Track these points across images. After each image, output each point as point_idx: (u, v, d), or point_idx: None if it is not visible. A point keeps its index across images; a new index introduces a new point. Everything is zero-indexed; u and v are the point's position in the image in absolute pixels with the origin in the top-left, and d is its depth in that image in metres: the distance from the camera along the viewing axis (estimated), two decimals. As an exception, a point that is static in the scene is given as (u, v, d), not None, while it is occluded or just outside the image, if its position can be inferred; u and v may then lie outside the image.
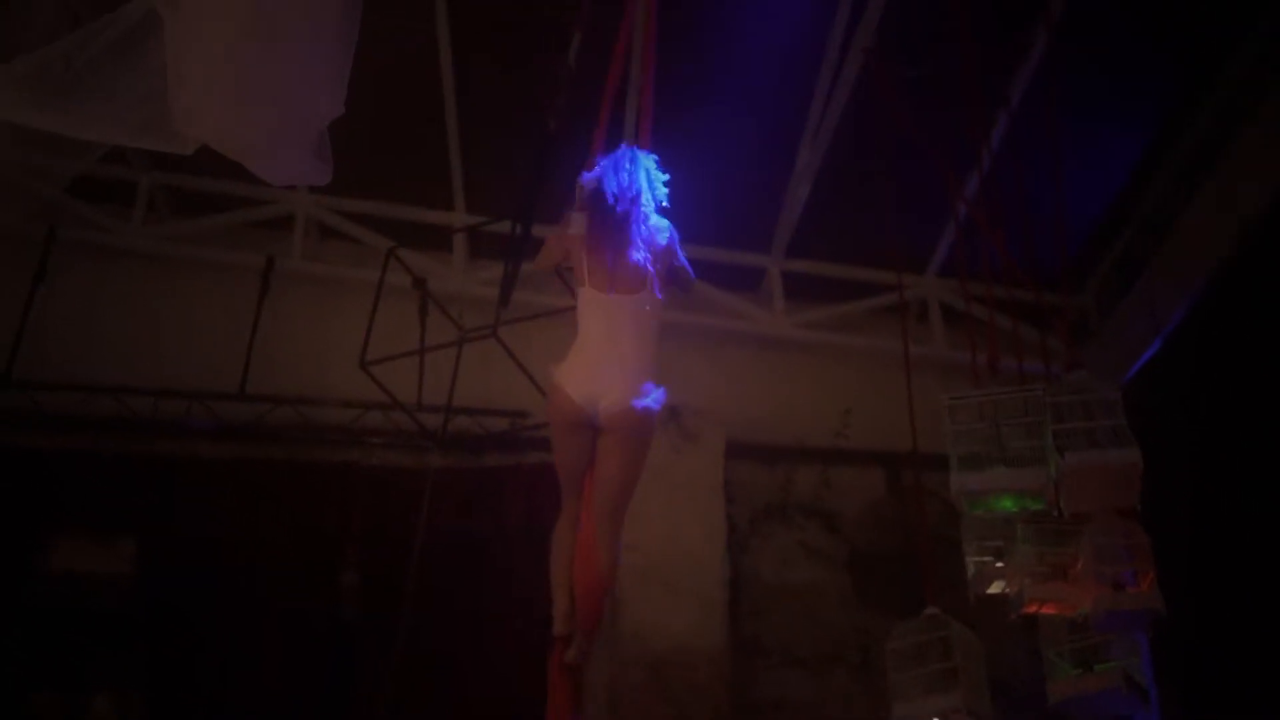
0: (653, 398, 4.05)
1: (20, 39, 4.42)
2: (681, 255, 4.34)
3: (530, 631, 4.34)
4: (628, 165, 4.25)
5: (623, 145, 4.40)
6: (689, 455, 7.85)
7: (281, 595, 7.48)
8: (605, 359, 4.06)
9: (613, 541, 4.14)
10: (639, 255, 4.13)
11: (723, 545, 7.76)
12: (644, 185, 4.25)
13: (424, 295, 7.52)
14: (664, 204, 4.33)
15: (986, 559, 5.40)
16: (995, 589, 5.41)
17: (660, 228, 4.28)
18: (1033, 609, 5.12)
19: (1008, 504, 4.97)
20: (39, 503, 7.49)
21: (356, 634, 7.49)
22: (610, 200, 4.14)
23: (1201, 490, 6.81)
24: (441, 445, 7.54)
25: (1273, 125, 6.45)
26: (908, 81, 6.70)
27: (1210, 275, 6.88)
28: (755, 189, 8.18)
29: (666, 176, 4.36)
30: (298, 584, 7.55)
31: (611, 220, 4.13)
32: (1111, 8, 6.64)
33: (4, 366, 7.53)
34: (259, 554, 7.56)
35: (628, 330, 4.09)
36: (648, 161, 4.33)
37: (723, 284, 8.77)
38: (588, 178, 4.29)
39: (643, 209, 4.21)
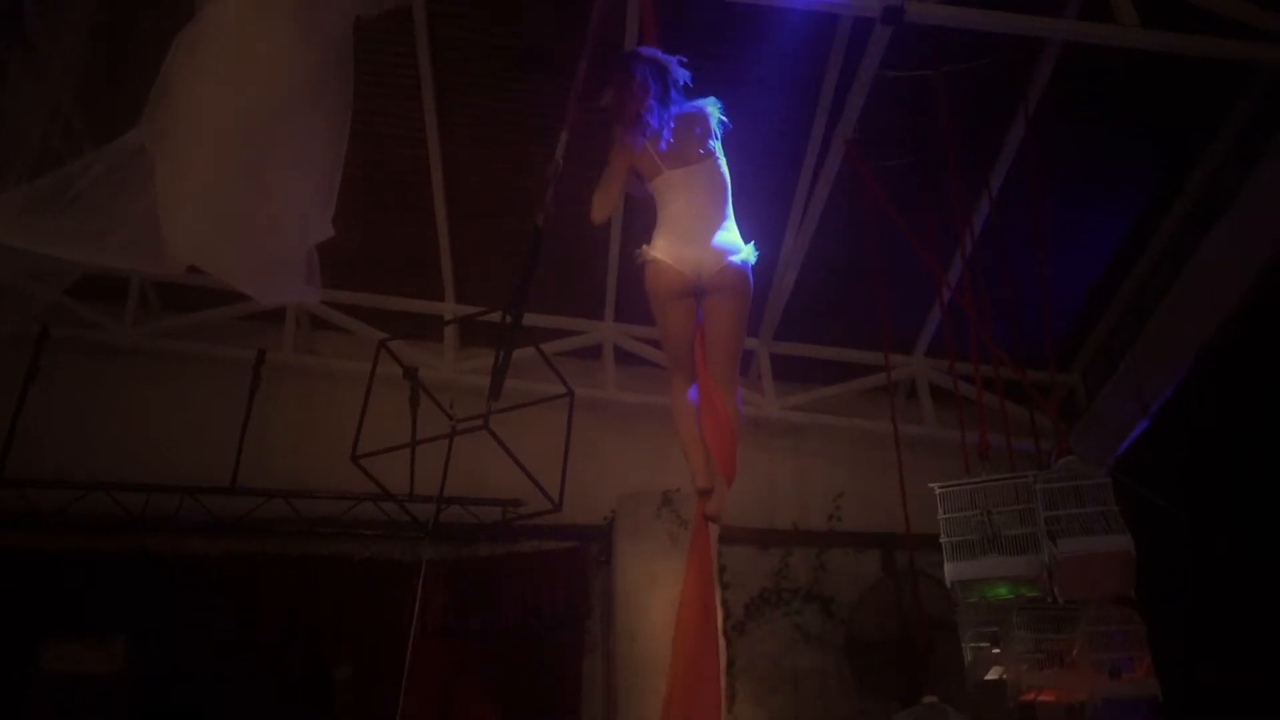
0: (745, 252, 4.28)
1: (17, 145, 4.51)
2: (715, 122, 4.53)
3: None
4: (642, 59, 4.49)
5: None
6: (683, 541, 7.79)
7: (275, 691, 7.42)
8: (691, 228, 4.27)
9: (733, 391, 4.37)
10: (683, 131, 4.38)
11: (719, 633, 7.70)
12: (661, 71, 4.46)
13: (415, 386, 7.53)
14: (688, 84, 4.54)
15: (983, 645, 5.41)
16: (993, 675, 5.41)
17: (697, 106, 4.51)
18: (1030, 696, 5.11)
19: (1003, 591, 4.98)
20: (33, 602, 7.47)
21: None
22: (637, 89, 4.34)
23: (1193, 567, 6.81)
24: (433, 536, 7.51)
25: (1253, 206, 6.54)
26: (889, 170, 6.80)
27: (1197, 354, 6.92)
28: (743, 275, 8.25)
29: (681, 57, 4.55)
30: (291, 680, 7.51)
31: (641, 105, 4.33)
32: (1090, 97, 6.75)
33: (-3, 465, 7.53)
34: (253, 650, 7.53)
35: (701, 198, 4.33)
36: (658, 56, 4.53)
37: (713, 368, 8.82)
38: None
39: (668, 90, 4.43)
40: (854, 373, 8.80)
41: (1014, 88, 6.60)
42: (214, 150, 3.30)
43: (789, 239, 7.83)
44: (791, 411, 8.82)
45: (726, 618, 7.93)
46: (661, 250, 4.25)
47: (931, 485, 5.14)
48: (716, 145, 4.47)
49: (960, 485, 5.07)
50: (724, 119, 4.57)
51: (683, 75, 4.50)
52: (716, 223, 4.30)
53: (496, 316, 7.08)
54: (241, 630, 7.59)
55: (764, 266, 8.06)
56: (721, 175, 4.42)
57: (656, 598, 7.60)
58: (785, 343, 8.84)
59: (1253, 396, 6.63)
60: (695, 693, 4.18)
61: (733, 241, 4.28)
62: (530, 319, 7.01)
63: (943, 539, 4.98)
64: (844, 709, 7.90)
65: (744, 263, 4.27)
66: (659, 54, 4.53)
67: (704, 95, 6.62)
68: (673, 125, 4.36)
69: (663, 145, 4.33)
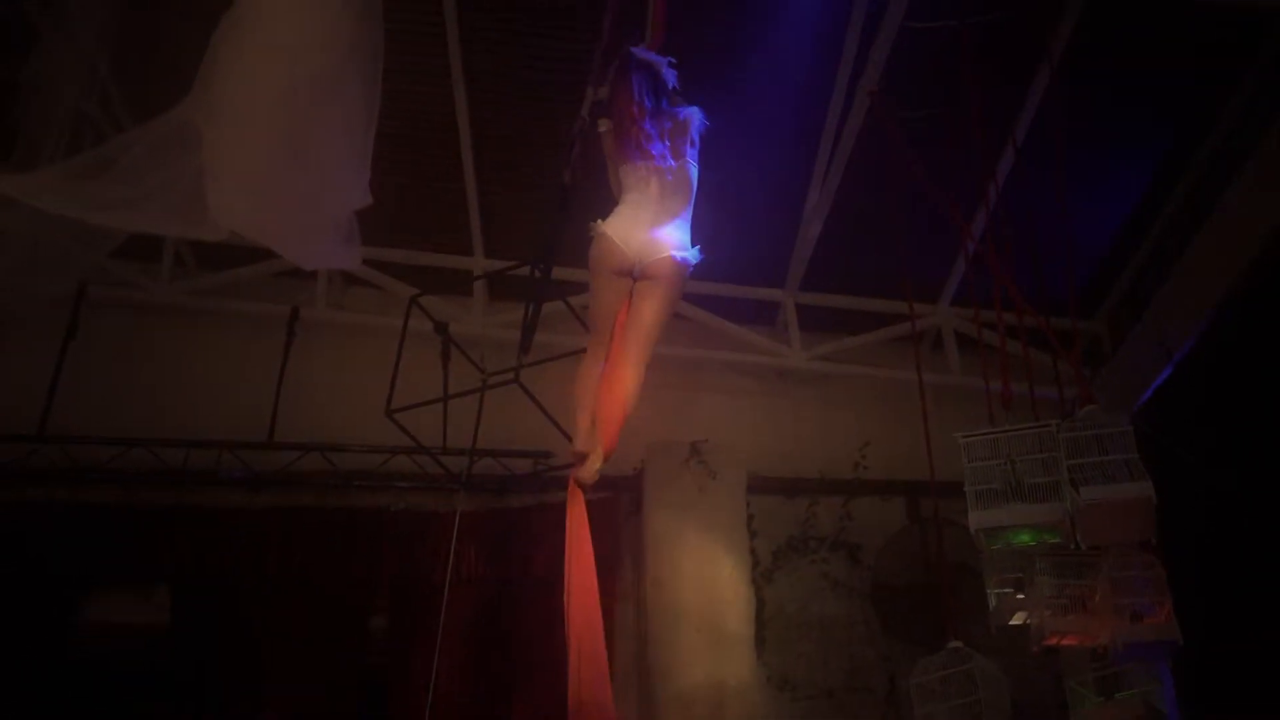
0: (690, 252, 4.51)
1: (54, 111, 4.62)
2: (696, 132, 4.76)
3: (558, 683, 4.52)
4: (638, 65, 4.72)
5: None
6: (711, 492, 7.94)
7: (314, 642, 7.60)
8: (646, 217, 4.52)
9: (638, 375, 4.54)
10: (664, 132, 4.62)
11: (748, 580, 7.84)
12: (655, 79, 4.71)
13: (446, 341, 7.66)
14: (675, 86, 4.81)
15: (1007, 591, 5.51)
16: (1017, 620, 5.51)
17: (684, 113, 4.74)
18: (1053, 641, 5.21)
19: (1025, 538, 5.06)
20: (75, 555, 7.63)
21: (387, 679, 7.62)
22: (633, 103, 4.60)
23: (1212, 515, 6.87)
24: (467, 488, 7.66)
25: (1276, 154, 6.54)
26: (913, 121, 6.82)
27: (1220, 301, 6.95)
28: (769, 226, 8.32)
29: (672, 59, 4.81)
30: (330, 631, 7.68)
31: (634, 118, 4.59)
32: (1114, 46, 6.74)
33: (38, 422, 7.71)
34: (291, 602, 7.71)
35: (664, 195, 4.54)
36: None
37: (738, 318, 8.91)
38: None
39: (659, 98, 4.69)
40: (880, 322, 8.85)
41: (1038, 38, 6.60)
42: (258, 123, 3.42)
43: (814, 190, 7.88)
44: (817, 361, 8.89)
45: (755, 565, 8.05)
46: (612, 228, 4.50)
47: (956, 434, 5.22)
48: (693, 152, 4.66)
49: (984, 434, 5.14)
50: (706, 122, 4.80)
51: (671, 78, 4.67)
52: (670, 219, 4.51)
53: (525, 271, 7.21)
54: (279, 581, 7.76)
55: (789, 217, 8.23)
56: (690, 181, 4.61)
57: (685, 545, 7.75)
58: (811, 293, 8.89)
59: (1277, 344, 6.65)
60: (586, 660, 4.28)
61: (681, 239, 4.50)
62: (559, 272, 7.11)
63: (967, 488, 5.07)
64: (871, 654, 8.02)
65: (684, 259, 4.48)
66: (653, 58, 4.69)
67: (722, 53, 6.73)
68: (652, 123, 4.61)
69: (643, 141, 4.55)
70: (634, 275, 4.51)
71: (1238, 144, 6.93)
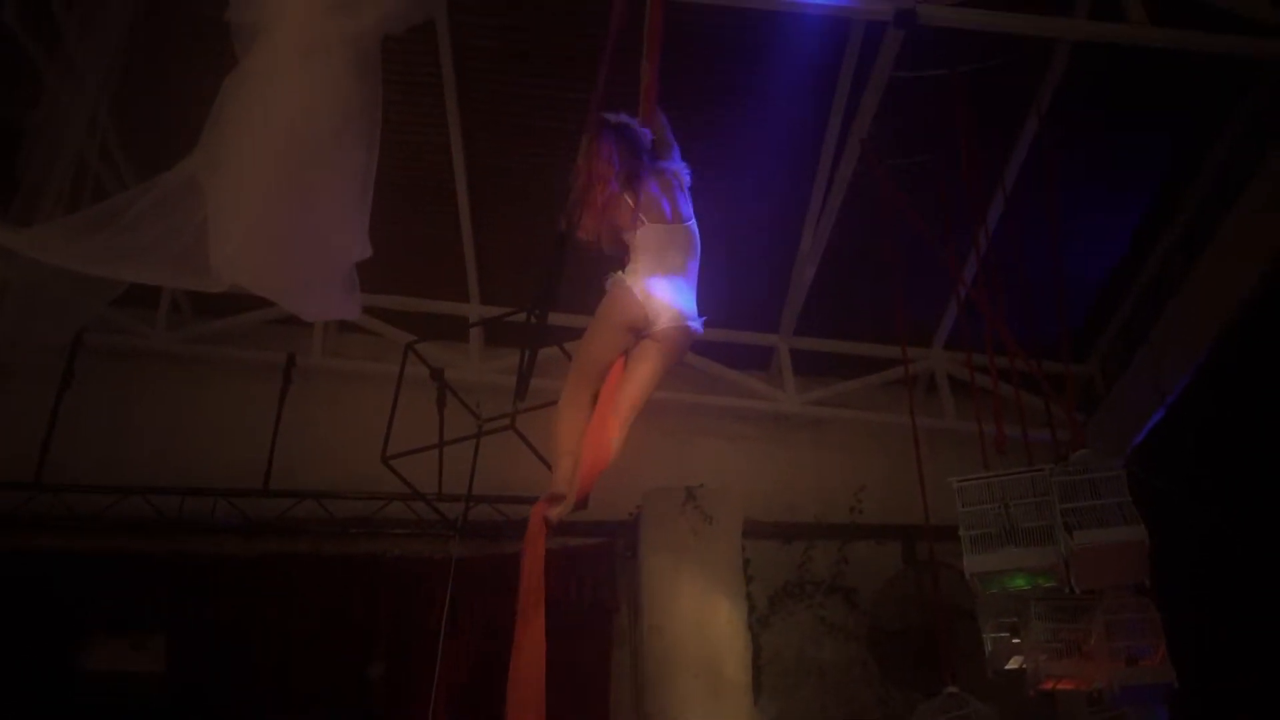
0: (699, 321, 4.47)
1: (55, 157, 4.68)
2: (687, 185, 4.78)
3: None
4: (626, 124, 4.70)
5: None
6: (708, 537, 7.95)
7: (311, 690, 7.58)
8: (667, 280, 4.43)
9: (625, 432, 4.46)
10: (665, 187, 4.60)
11: (744, 625, 7.83)
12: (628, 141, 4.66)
13: (442, 387, 7.69)
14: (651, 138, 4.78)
15: (1003, 635, 5.53)
16: (1013, 665, 5.53)
17: (674, 166, 4.75)
18: (1050, 685, 5.22)
19: (1020, 582, 5.09)
20: (73, 604, 7.64)
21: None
22: (635, 145, 4.60)
23: (1207, 555, 6.88)
24: (462, 534, 7.66)
25: (1263, 196, 6.61)
26: (904, 167, 6.91)
27: (1211, 343, 6.99)
28: (763, 272, 8.39)
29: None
30: (327, 678, 7.66)
31: (642, 160, 4.60)
32: (1102, 92, 6.83)
33: (35, 471, 7.73)
34: (288, 650, 7.70)
35: (680, 257, 4.50)
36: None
37: (733, 363, 8.96)
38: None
39: (639, 156, 4.64)
40: (875, 366, 8.89)
41: (1027, 85, 6.69)
42: (261, 178, 3.47)
43: (807, 235, 7.94)
44: (812, 406, 8.93)
45: (751, 611, 8.03)
46: (634, 283, 4.40)
47: (950, 479, 5.25)
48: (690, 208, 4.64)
49: (978, 479, 5.18)
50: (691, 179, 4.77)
51: (646, 136, 4.67)
52: (686, 283, 4.48)
53: (521, 317, 7.25)
54: (277, 629, 7.75)
55: (782, 262, 8.29)
56: (695, 239, 4.59)
57: (681, 591, 7.75)
58: (805, 337, 8.95)
59: (1270, 386, 6.69)
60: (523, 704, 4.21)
61: (692, 307, 4.47)
62: (554, 318, 7.13)
63: (962, 532, 5.10)
64: (868, 699, 8.01)
65: (696, 329, 4.47)
66: (626, 121, 4.69)
67: (718, 101, 6.79)
68: (652, 182, 4.57)
69: (644, 199, 4.52)
70: (640, 333, 4.47)
71: (1226, 188, 7.00)
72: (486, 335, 8.96)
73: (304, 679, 7.61)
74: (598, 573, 8.17)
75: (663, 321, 4.38)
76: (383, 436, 6.98)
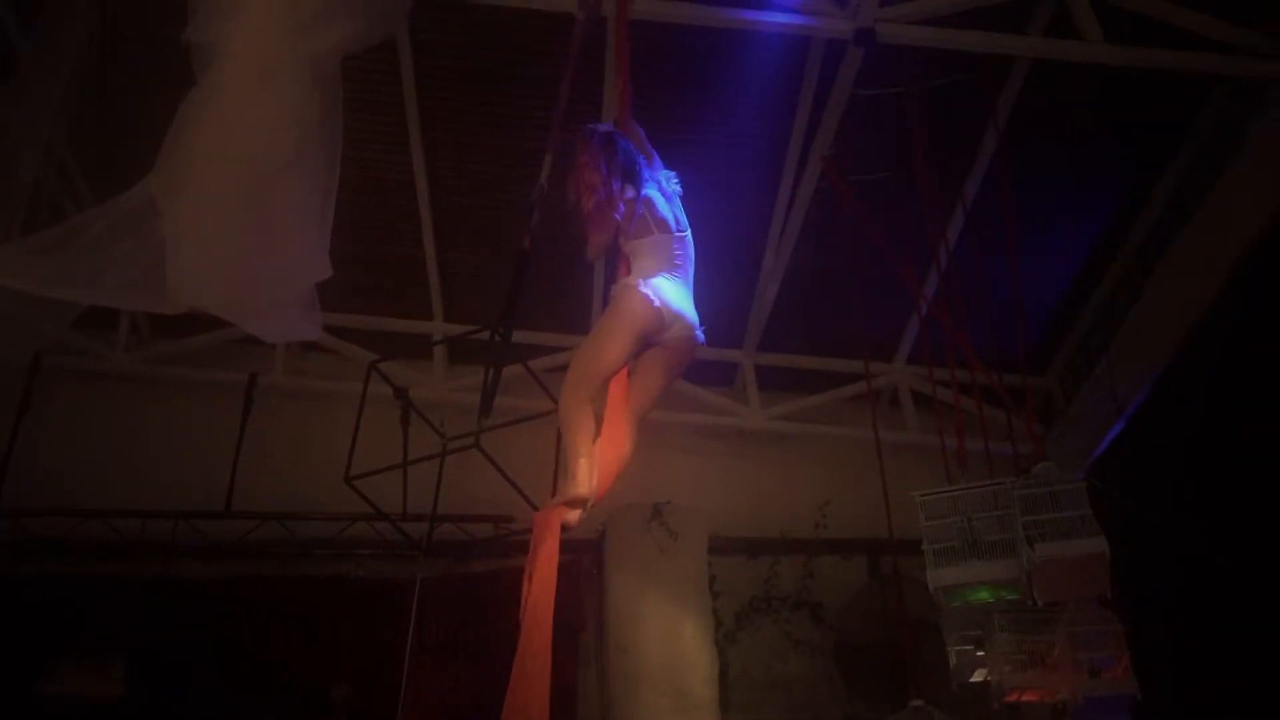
0: (702, 330, 4.49)
1: (10, 182, 4.64)
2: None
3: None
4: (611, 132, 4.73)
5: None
6: (673, 553, 7.95)
7: (275, 713, 7.51)
8: (680, 290, 4.44)
9: (635, 437, 4.50)
10: (670, 197, 4.66)
11: (710, 641, 7.83)
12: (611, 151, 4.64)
13: (406, 406, 7.64)
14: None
15: (967, 648, 5.56)
16: (978, 677, 5.55)
17: (671, 175, 4.81)
18: (1014, 697, 5.25)
19: (984, 595, 5.13)
20: (33, 628, 7.55)
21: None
22: (623, 153, 4.59)
23: (1175, 564, 6.96)
24: (427, 554, 7.62)
25: (1218, 210, 6.71)
26: (865, 184, 6.96)
27: (1170, 356, 7.08)
28: (726, 288, 8.39)
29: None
30: (291, 701, 7.59)
31: (638, 167, 4.60)
32: (1060, 108, 6.92)
33: (-8, 494, 7.62)
34: (251, 672, 7.62)
35: (686, 264, 4.53)
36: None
37: (698, 379, 8.96)
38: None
39: (635, 170, 4.62)
40: (838, 381, 8.94)
41: (985, 102, 6.76)
42: (219, 200, 3.46)
43: (770, 252, 7.99)
44: (777, 421, 8.96)
45: (718, 627, 8.04)
46: (647, 290, 4.36)
47: (913, 494, 5.28)
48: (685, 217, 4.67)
49: (941, 493, 5.21)
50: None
51: (632, 148, 4.67)
52: (689, 292, 4.50)
53: (485, 335, 7.23)
54: (240, 652, 7.67)
55: (745, 278, 8.32)
56: (692, 248, 4.62)
57: (646, 608, 7.74)
58: (769, 353, 8.98)
59: (1225, 396, 6.78)
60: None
61: (695, 316, 4.48)
62: (518, 335, 7.12)
63: (925, 546, 5.13)
64: (835, 714, 8.02)
65: (701, 339, 4.49)
66: (609, 130, 4.72)
67: (680, 118, 6.81)
68: (654, 191, 4.58)
69: (650, 208, 4.51)
70: (650, 341, 4.42)
71: (1183, 202, 7.10)
72: (450, 353, 8.93)
73: (268, 702, 7.54)
74: (563, 591, 7.99)
75: (675, 330, 4.36)
76: (346, 457, 6.93)
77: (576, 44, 5.29)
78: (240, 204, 3.49)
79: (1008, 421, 6.82)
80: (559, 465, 6.39)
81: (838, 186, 6.80)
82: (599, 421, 4.50)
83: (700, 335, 4.46)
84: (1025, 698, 5.30)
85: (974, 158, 7.19)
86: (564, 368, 9.07)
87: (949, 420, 6.40)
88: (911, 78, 6.62)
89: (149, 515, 7.97)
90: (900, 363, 8.92)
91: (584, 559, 8.19)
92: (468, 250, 8.31)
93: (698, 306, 4.44)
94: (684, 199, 4.88)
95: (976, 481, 5.28)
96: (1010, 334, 6.89)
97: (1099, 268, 8.02)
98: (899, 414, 8.86)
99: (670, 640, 7.63)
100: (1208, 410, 6.98)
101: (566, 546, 8.08)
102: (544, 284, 7.83)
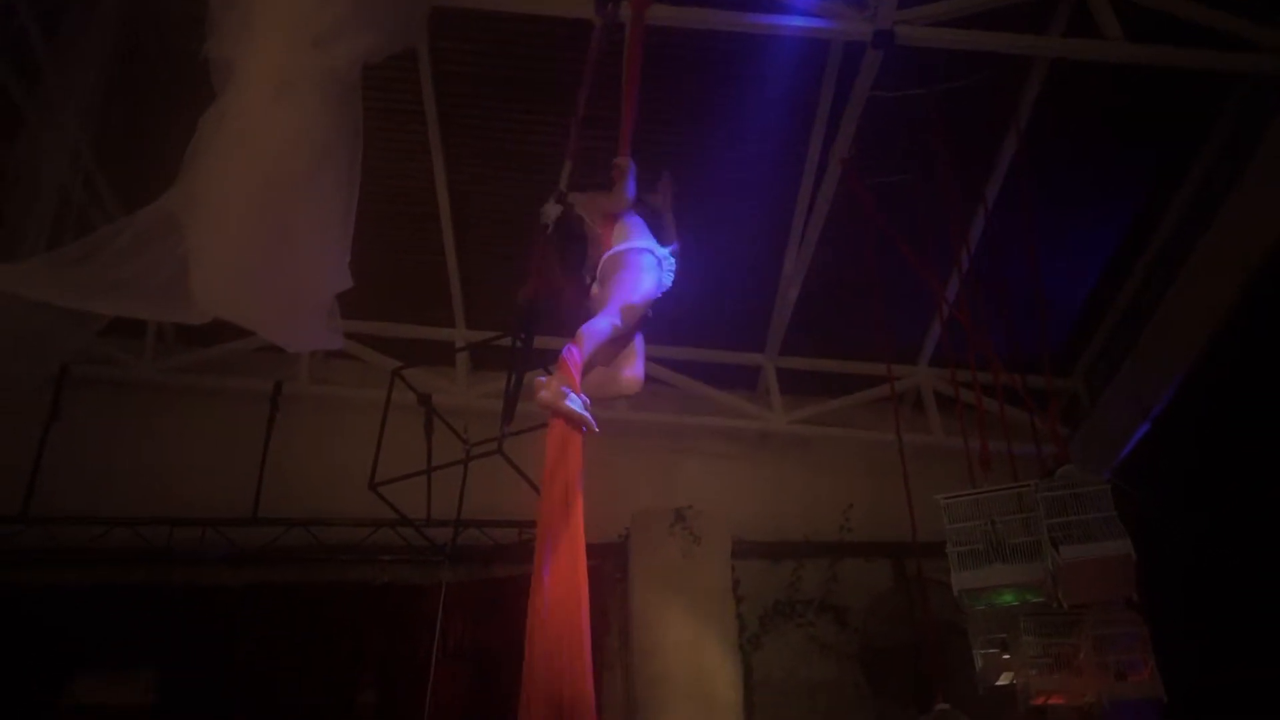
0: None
1: (38, 193, 4.69)
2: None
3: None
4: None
5: None
6: (697, 558, 7.92)
7: (300, 718, 7.54)
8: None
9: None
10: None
11: (734, 646, 7.80)
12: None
13: (429, 412, 7.69)
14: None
15: (993, 651, 5.52)
16: (1004, 680, 5.52)
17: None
18: (1041, 700, 5.22)
19: (1009, 598, 5.10)
20: (60, 637, 7.61)
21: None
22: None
23: (1196, 558, 6.91)
24: (451, 559, 7.65)
25: (1242, 209, 6.65)
26: (885, 186, 6.94)
27: (1195, 357, 7.02)
28: (747, 292, 8.41)
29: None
30: (318, 706, 7.62)
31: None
32: (1081, 109, 6.88)
33: (21, 504, 7.69)
34: (278, 678, 7.65)
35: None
36: None
37: (720, 384, 8.97)
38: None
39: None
40: (861, 384, 8.91)
41: (1005, 103, 6.74)
42: (240, 214, 3.49)
43: (790, 255, 7.98)
44: (799, 425, 8.95)
45: (742, 631, 8.02)
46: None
47: (936, 496, 5.27)
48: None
49: (964, 496, 5.19)
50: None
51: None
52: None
53: (507, 341, 7.26)
54: (267, 658, 7.72)
55: (767, 282, 8.32)
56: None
57: (670, 612, 7.72)
58: (791, 357, 8.97)
59: (1249, 397, 6.72)
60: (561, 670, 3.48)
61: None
62: (540, 340, 7.14)
63: (949, 549, 5.11)
64: (860, 717, 7.98)
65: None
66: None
67: (700, 123, 6.86)
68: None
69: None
70: None
71: (1206, 202, 7.04)
72: (473, 360, 8.96)
73: (295, 707, 7.57)
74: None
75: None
76: (370, 463, 6.97)
77: (593, 52, 5.31)
78: (261, 217, 3.52)
79: (1032, 424, 6.79)
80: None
81: (857, 189, 6.78)
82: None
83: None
84: (1052, 700, 5.27)
85: (994, 159, 7.16)
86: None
87: (972, 422, 6.38)
88: (931, 80, 6.59)
89: (176, 523, 8.03)
90: (923, 365, 8.89)
91: (607, 564, 8.19)
92: (489, 256, 8.33)
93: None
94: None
95: (1000, 484, 5.26)
96: (1034, 335, 6.86)
97: (1125, 268, 7.96)
98: (922, 416, 8.84)
99: (694, 645, 7.61)
100: (1233, 411, 6.92)
101: (589, 552, 8.15)
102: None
